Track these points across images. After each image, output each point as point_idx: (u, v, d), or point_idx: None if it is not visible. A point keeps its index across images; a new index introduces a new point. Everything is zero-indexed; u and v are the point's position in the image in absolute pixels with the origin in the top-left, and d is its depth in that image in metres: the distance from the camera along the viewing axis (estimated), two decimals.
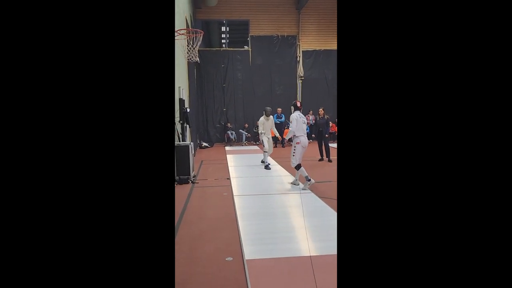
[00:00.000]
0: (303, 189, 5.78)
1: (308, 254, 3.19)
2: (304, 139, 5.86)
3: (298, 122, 5.83)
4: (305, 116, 14.16)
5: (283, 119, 12.89)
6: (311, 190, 5.74)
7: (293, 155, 5.84)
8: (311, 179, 5.76)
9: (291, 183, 6.34)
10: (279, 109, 13.05)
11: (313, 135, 10.10)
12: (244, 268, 2.97)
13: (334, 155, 9.37)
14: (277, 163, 8.65)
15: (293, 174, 6.63)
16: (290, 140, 6.05)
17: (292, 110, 6.04)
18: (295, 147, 5.85)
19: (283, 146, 12.68)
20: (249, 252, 3.28)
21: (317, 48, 14.74)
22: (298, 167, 5.86)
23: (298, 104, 6.06)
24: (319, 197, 5.32)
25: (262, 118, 8.24)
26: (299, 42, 14.69)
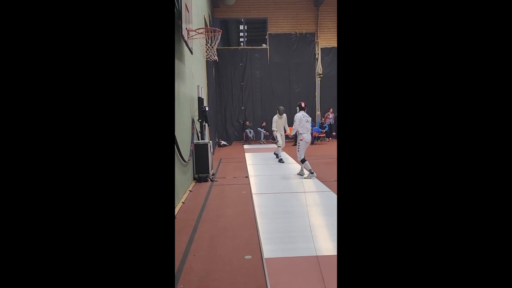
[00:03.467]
0: (305, 178, 6.55)
1: (327, 254, 3.16)
2: (306, 136, 6.65)
3: (302, 121, 6.62)
4: (325, 114, 14.14)
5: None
6: (330, 189, 5.70)
7: (298, 150, 6.68)
8: (314, 172, 6.53)
9: (298, 173, 7.04)
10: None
11: (333, 133, 10.13)
12: (263, 266, 2.98)
13: None
14: (295, 162, 8.62)
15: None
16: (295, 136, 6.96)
17: (298, 110, 6.82)
18: (299, 143, 6.67)
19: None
20: (268, 250, 3.28)
21: (336, 45, 14.56)
22: (303, 161, 6.60)
23: (303, 105, 6.86)
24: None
25: (275, 117, 8.84)
26: (317, 39, 14.55)
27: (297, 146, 6.71)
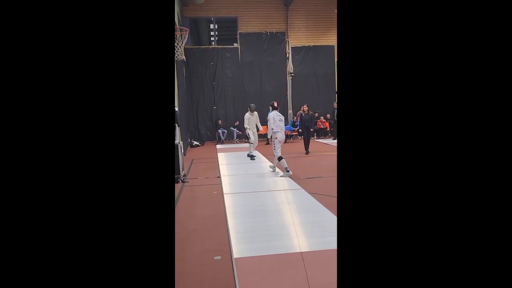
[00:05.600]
0: (281, 176, 6.62)
1: (296, 251, 3.18)
2: (280, 134, 6.80)
3: (275, 120, 6.75)
4: (296, 113, 14.29)
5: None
6: (301, 187, 5.75)
7: (274, 149, 6.82)
8: (290, 171, 6.56)
9: (270, 166, 7.42)
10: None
11: (299, 130, 10.48)
12: (233, 266, 2.95)
13: (327, 151, 9.51)
14: (268, 160, 8.65)
15: (280, 168, 7.15)
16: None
17: (270, 110, 6.94)
18: (274, 141, 6.82)
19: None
20: (238, 250, 3.26)
21: (306, 44, 14.72)
22: (280, 158, 6.71)
23: (275, 104, 6.97)
24: (309, 193, 5.32)
25: (247, 114, 8.98)
26: (288, 38, 14.66)
27: (272, 145, 6.93)
